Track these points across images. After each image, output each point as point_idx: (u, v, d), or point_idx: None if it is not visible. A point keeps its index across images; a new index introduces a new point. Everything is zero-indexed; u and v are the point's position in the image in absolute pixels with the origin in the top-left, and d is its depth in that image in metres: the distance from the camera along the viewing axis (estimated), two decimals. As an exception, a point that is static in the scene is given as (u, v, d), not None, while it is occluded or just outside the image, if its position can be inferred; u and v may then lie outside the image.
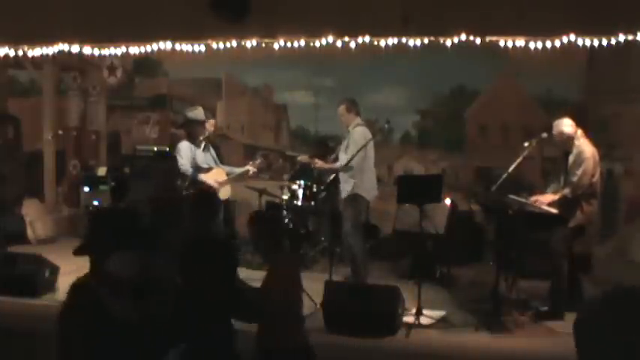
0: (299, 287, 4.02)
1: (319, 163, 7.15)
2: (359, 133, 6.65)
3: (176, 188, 5.13)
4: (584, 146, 5.82)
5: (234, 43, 7.13)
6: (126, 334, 2.56)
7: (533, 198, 5.91)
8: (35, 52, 7.94)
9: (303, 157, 7.95)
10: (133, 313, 2.67)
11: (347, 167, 6.54)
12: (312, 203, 7.98)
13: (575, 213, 5.77)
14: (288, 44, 7.01)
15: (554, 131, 5.92)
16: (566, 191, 5.79)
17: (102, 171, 9.68)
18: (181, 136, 7.11)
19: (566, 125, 5.88)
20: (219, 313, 3.38)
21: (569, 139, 5.86)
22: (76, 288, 2.77)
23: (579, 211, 5.78)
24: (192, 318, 3.13)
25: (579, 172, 5.74)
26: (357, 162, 6.51)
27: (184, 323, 3.01)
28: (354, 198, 6.63)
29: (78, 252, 2.76)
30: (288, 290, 3.81)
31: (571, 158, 5.85)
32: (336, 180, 6.74)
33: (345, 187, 6.67)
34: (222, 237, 5.02)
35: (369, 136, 6.66)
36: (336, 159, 6.91)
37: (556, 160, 6.26)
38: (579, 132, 5.88)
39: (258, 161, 7.10)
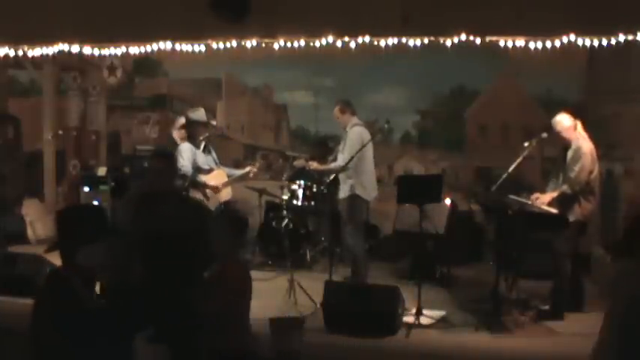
0: (247, 292, 3.99)
1: (314, 165, 7.14)
2: (355, 134, 6.63)
3: (173, 187, 5.09)
4: (582, 142, 5.82)
5: (234, 43, 7.13)
6: (96, 320, 2.74)
7: (535, 195, 5.92)
8: (35, 52, 7.94)
9: (298, 162, 7.93)
10: (102, 301, 2.93)
11: (343, 167, 6.51)
12: (312, 203, 7.98)
13: (572, 208, 5.76)
14: (288, 44, 7.00)
15: (557, 127, 5.91)
16: (565, 187, 5.79)
17: (102, 171, 9.67)
18: (182, 137, 7.10)
19: (566, 119, 5.89)
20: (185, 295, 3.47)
21: (569, 131, 5.85)
22: (51, 277, 2.94)
23: (577, 206, 5.77)
24: (157, 303, 3.21)
25: (577, 167, 5.74)
26: (354, 162, 6.49)
27: (151, 308, 3.10)
28: (353, 198, 6.62)
29: (49, 250, 2.95)
30: (234, 293, 3.81)
31: (569, 153, 5.85)
32: (337, 180, 6.73)
33: (344, 188, 6.66)
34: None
35: (367, 136, 6.64)
36: (335, 159, 6.91)
37: (556, 160, 6.25)
38: (579, 125, 5.89)
39: (258, 163, 7.10)
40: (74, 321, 2.68)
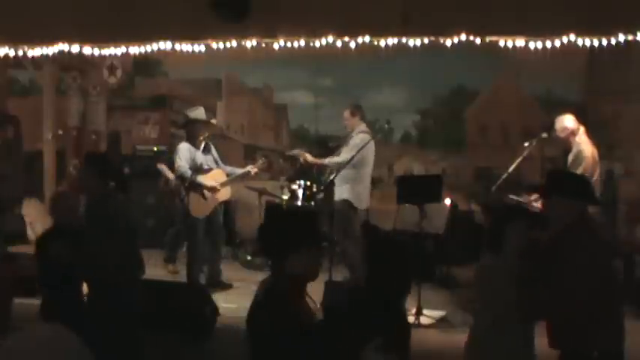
0: None
1: (308, 157, 7.07)
2: (359, 139, 6.58)
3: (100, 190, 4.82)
4: (584, 145, 5.83)
5: (234, 43, 7.12)
6: (312, 331, 2.69)
7: (533, 196, 5.92)
8: (35, 52, 7.93)
9: (293, 152, 7.82)
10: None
11: (337, 164, 6.46)
12: (312, 203, 7.97)
13: None
14: (288, 44, 7.00)
15: (557, 127, 5.93)
16: None
17: (102, 171, 9.65)
18: (182, 136, 7.09)
19: (568, 120, 5.89)
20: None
21: (571, 135, 5.86)
22: (267, 293, 2.79)
23: None
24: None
25: (579, 170, 5.74)
26: (353, 169, 6.45)
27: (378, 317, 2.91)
28: (345, 204, 6.59)
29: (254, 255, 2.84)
30: None
31: (570, 157, 5.86)
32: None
33: (339, 190, 6.61)
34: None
35: (371, 145, 6.60)
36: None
37: (556, 160, 6.26)
38: (582, 129, 5.89)
39: (259, 162, 7.06)
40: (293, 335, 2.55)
